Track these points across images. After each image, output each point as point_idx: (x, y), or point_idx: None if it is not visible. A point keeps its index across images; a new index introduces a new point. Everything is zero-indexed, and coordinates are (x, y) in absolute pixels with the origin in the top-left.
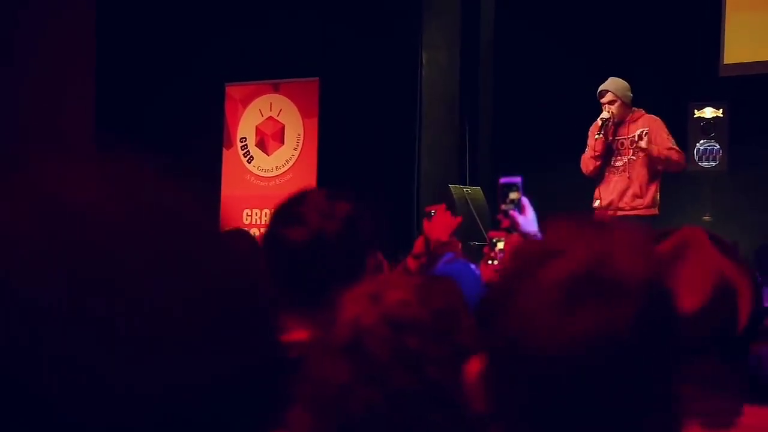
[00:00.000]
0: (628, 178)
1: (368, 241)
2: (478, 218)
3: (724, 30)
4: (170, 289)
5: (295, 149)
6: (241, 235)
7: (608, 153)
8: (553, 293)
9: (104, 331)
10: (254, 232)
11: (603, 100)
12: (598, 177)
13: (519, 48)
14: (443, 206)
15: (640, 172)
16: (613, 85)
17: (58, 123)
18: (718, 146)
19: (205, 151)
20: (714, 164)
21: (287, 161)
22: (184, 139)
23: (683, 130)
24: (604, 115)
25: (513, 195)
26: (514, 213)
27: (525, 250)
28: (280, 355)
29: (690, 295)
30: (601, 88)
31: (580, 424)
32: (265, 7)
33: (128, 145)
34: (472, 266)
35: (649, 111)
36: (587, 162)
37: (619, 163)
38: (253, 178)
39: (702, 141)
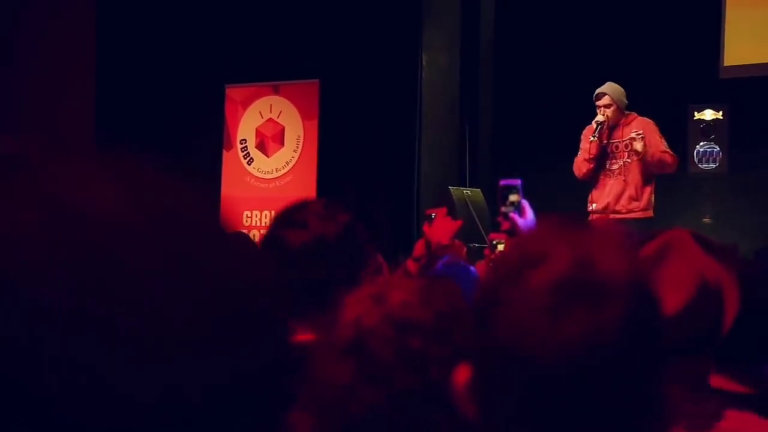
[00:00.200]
0: (624, 181)
1: (366, 247)
2: (477, 220)
3: (724, 32)
4: (173, 289)
5: (295, 151)
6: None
7: (602, 156)
8: (539, 299)
9: (106, 332)
10: (254, 233)
11: (599, 103)
12: (591, 180)
13: (519, 49)
14: (444, 209)
15: (635, 175)
16: (611, 90)
17: (58, 123)
18: (718, 148)
19: (205, 153)
20: (714, 166)
21: (287, 163)
22: (184, 141)
23: (683, 132)
24: (599, 118)
25: (513, 197)
26: (515, 215)
27: (508, 255)
28: (287, 355)
29: (671, 296)
30: (598, 91)
31: (570, 429)
32: (265, 8)
33: (128, 147)
34: (472, 268)
35: (649, 113)
36: (580, 165)
37: (614, 167)
38: (253, 179)
39: (702, 143)
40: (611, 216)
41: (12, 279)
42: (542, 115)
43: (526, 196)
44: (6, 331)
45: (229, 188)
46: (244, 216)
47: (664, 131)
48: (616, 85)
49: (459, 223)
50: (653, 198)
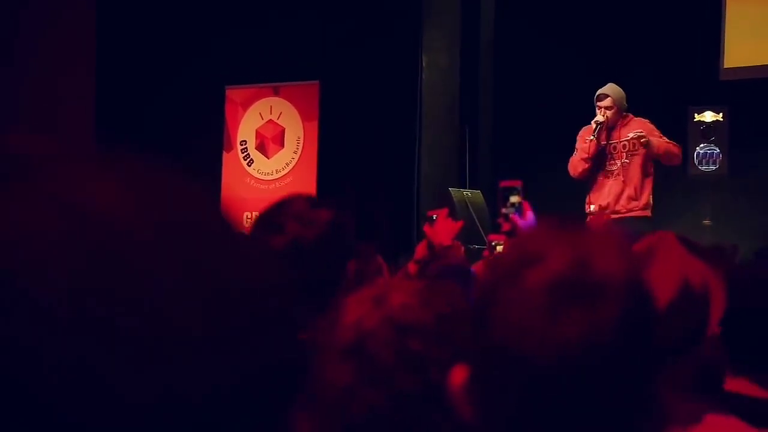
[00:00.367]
0: (623, 181)
1: (349, 249)
2: (478, 222)
3: (724, 33)
4: (175, 289)
5: (295, 152)
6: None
7: (600, 157)
8: (536, 299)
9: (107, 332)
10: None
11: (601, 104)
12: (587, 180)
13: (519, 50)
14: (445, 210)
15: (634, 175)
16: (613, 91)
17: (58, 123)
18: (718, 150)
19: (205, 154)
20: (714, 168)
21: (287, 164)
22: (184, 142)
23: (683, 133)
24: (599, 118)
25: (514, 198)
26: (515, 216)
27: (506, 255)
28: (293, 356)
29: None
30: (600, 91)
31: (567, 429)
32: (265, 10)
33: (128, 147)
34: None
35: (649, 114)
36: (576, 164)
37: (613, 167)
38: (253, 181)
39: (702, 145)
40: (611, 216)
41: (12, 279)
42: (542, 115)
43: (526, 197)
44: (6, 331)
45: (229, 189)
46: (245, 217)
47: (664, 133)
48: (618, 87)
49: (460, 224)
50: (651, 198)
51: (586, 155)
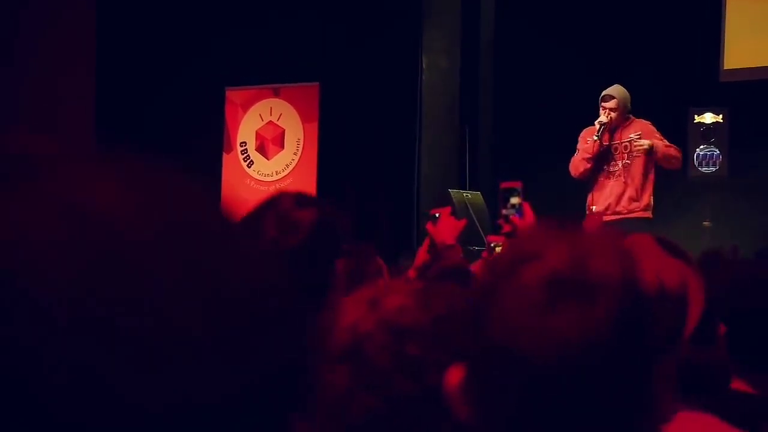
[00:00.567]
0: (624, 182)
1: (336, 249)
2: (477, 223)
3: (724, 35)
4: (177, 290)
5: (295, 154)
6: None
7: (602, 158)
8: (532, 296)
9: (107, 332)
10: None
11: (606, 105)
12: (587, 181)
13: (519, 50)
14: (448, 209)
15: (635, 176)
16: (619, 93)
17: (58, 123)
18: (718, 151)
19: (204, 155)
20: (714, 169)
21: (287, 166)
22: (184, 143)
23: (683, 135)
24: (603, 119)
25: (514, 200)
26: (516, 217)
27: (504, 254)
28: (297, 358)
29: None
30: (605, 92)
31: (564, 428)
32: (265, 11)
33: (128, 148)
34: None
35: (649, 116)
36: (578, 164)
37: (614, 168)
38: (253, 182)
39: (702, 146)
40: (612, 217)
41: (12, 279)
42: (542, 116)
43: (526, 198)
44: (6, 332)
45: (229, 191)
46: None
47: (665, 134)
48: (624, 89)
49: (463, 222)
50: (652, 200)
51: (588, 155)
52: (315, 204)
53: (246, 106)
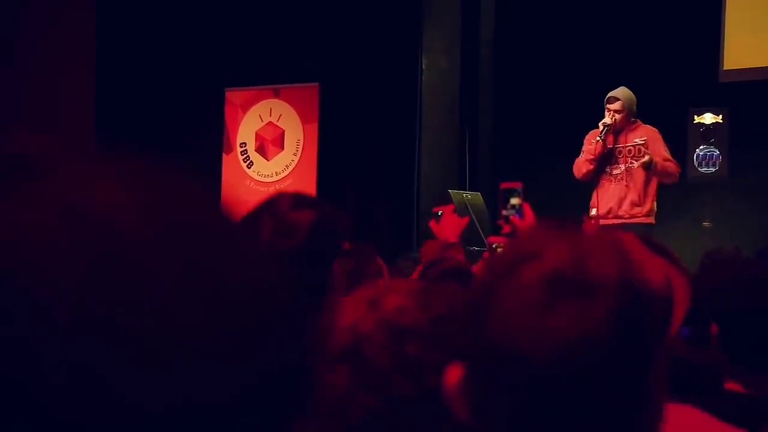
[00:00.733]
0: (626, 186)
1: (334, 250)
2: (477, 224)
3: (723, 36)
4: (181, 290)
5: (294, 154)
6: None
7: (605, 160)
8: (531, 294)
9: (107, 333)
10: None
11: (611, 107)
12: (590, 182)
13: (519, 51)
14: (451, 207)
15: (637, 181)
16: (624, 95)
17: (58, 123)
18: (718, 152)
19: (204, 156)
20: (714, 170)
21: (287, 166)
22: (183, 143)
23: (683, 135)
24: (607, 120)
25: (514, 200)
26: (516, 218)
27: (502, 255)
28: (299, 360)
29: None
30: (611, 94)
31: (562, 427)
32: (265, 11)
33: (128, 149)
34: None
35: (649, 116)
36: (581, 165)
37: (616, 171)
38: (252, 183)
39: (702, 147)
40: (614, 221)
41: (12, 279)
42: (543, 116)
43: (526, 198)
44: (6, 332)
45: (229, 191)
46: None
47: (664, 135)
48: (630, 92)
49: (466, 220)
50: (655, 205)
51: (591, 157)
52: (313, 205)
53: (246, 107)
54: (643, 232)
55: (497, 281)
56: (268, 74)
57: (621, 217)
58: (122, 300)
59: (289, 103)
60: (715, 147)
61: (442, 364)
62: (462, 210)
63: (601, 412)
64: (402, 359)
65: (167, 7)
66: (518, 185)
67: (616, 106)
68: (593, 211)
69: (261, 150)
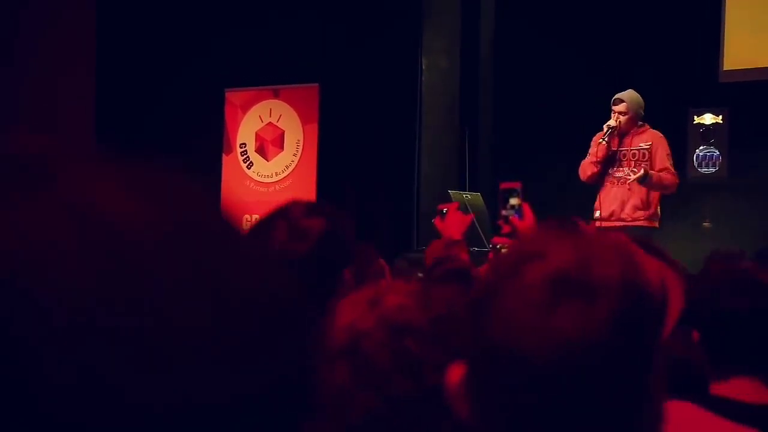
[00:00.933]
0: (629, 189)
1: (345, 256)
2: (477, 224)
3: (723, 36)
4: (182, 291)
5: (294, 155)
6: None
7: (609, 162)
8: (533, 294)
9: (111, 333)
10: None
11: (615, 108)
12: (596, 184)
13: (519, 51)
14: (456, 204)
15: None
16: (629, 98)
17: (58, 123)
18: (718, 152)
19: (204, 157)
20: (714, 170)
21: (287, 167)
22: (183, 144)
23: (683, 136)
24: (611, 122)
25: (514, 200)
26: (515, 218)
27: (506, 256)
28: (304, 363)
29: None
30: (617, 96)
31: (563, 427)
32: (265, 12)
33: (128, 149)
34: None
35: (649, 117)
36: (586, 167)
37: (619, 174)
38: (252, 183)
39: (702, 147)
40: (616, 223)
41: (12, 279)
42: (543, 117)
43: (525, 198)
44: (6, 332)
45: (228, 192)
46: (244, 220)
47: (664, 135)
48: (636, 94)
49: (471, 217)
50: (659, 209)
51: (596, 159)
52: (325, 212)
53: (245, 108)
54: (644, 235)
55: (501, 281)
56: (267, 75)
57: (623, 220)
58: (123, 300)
59: (289, 104)
60: (715, 147)
61: (441, 363)
62: (462, 210)
63: (601, 412)
64: (402, 357)
65: (167, 8)
66: (518, 185)
67: (620, 107)
68: (597, 214)
69: (261, 150)
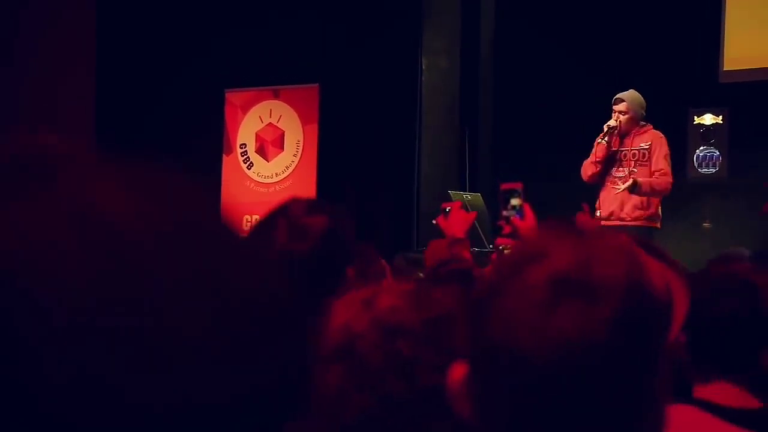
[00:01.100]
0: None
1: (346, 255)
2: (478, 225)
3: (723, 36)
4: (181, 291)
5: (294, 155)
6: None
7: (610, 162)
8: (535, 294)
9: (111, 333)
10: None
11: (616, 108)
12: (597, 184)
13: (519, 51)
14: (458, 203)
15: None
16: (630, 97)
17: (58, 123)
18: (718, 152)
19: (204, 157)
20: (714, 170)
21: (287, 167)
22: (183, 145)
23: (683, 136)
24: (611, 122)
25: (514, 201)
26: (516, 219)
27: (509, 256)
28: (301, 363)
29: None
30: (618, 95)
31: (563, 428)
32: (265, 12)
33: (128, 150)
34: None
35: (649, 117)
36: (587, 167)
37: (620, 174)
38: (252, 184)
39: (702, 147)
40: (616, 223)
41: (12, 279)
42: (543, 117)
43: (526, 199)
44: (6, 332)
45: (229, 193)
46: (244, 220)
47: (664, 135)
48: (638, 94)
49: (473, 215)
50: (660, 210)
51: (596, 159)
52: (326, 211)
53: (246, 108)
54: (644, 235)
55: (503, 282)
56: (267, 75)
57: (623, 220)
58: (122, 300)
59: (289, 104)
60: (715, 148)
61: (435, 364)
62: (464, 209)
63: (602, 413)
64: (395, 358)
65: (167, 8)
66: (518, 186)
67: (621, 107)
68: (597, 213)
69: (261, 151)
